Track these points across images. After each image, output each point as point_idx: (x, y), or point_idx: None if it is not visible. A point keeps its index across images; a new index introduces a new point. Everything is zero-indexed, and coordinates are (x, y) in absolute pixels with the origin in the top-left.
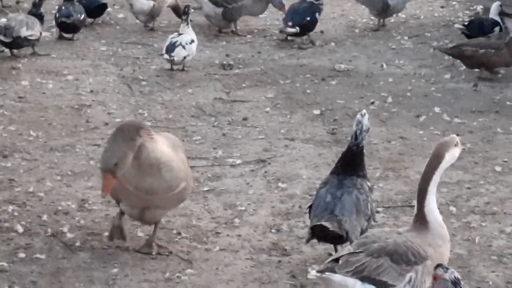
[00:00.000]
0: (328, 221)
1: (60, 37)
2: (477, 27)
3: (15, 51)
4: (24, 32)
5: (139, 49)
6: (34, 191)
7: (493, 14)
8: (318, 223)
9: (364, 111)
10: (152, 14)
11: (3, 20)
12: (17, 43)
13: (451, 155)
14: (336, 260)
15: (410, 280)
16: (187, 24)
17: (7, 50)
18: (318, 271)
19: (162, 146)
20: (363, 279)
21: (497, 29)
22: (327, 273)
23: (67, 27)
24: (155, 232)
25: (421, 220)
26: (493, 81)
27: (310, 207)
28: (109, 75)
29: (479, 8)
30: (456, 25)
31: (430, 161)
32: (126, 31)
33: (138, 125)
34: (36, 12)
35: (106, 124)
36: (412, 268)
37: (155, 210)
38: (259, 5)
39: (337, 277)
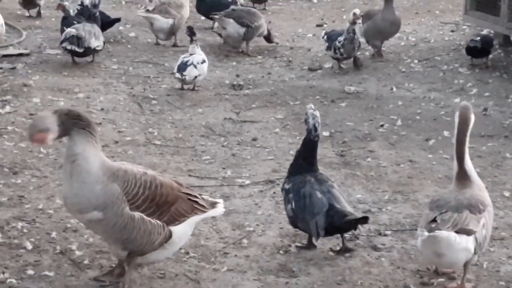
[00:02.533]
0: (352, 214)
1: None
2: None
3: (76, 59)
4: (93, 43)
5: (150, 68)
6: (43, 208)
7: None
8: (363, 216)
9: (311, 104)
10: (171, 32)
11: (73, 30)
12: (86, 53)
13: (473, 117)
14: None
15: (483, 225)
16: (196, 44)
17: (19, 67)
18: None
19: (92, 153)
20: (458, 232)
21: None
22: (436, 232)
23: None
24: (128, 274)
25: (464, 177)
26: (503, 106)
27: (293, 209)
28: (119, 94)
29: (487, 31)
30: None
31: (461, 125)
32: (138, 50)
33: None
34: (92, 14)
35: (116, 142)
36: (482, 214)
37: (113, 244)
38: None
39: (444, 233)
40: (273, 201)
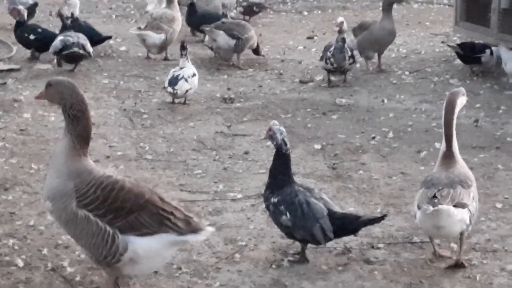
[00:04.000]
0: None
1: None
2: (469, 48)
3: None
4: (89, 48)
5: (141, 82)
6: (34, 224)
7: None
8: (382, 215)
9: (274, 121)
10: (164, 46)
11: (70, 38)
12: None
13: (461, 101)
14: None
15: (473, 198)
16: (187, 58)
17: (9, 82)
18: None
19: (68, 153)
20: (455, 206)
21: (488, 51)
22: (440, 206)
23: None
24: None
25: (449, 157)
26: (494, 117)
27: (289, 219)
28: (110, 108)
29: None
30: (450, 44)
31: (447, 109)
32: (128, 64)
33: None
34: (68, 26)
35: (108, 157)
36: (471, 188)
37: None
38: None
39: (446, 207)
40: (265, 215)
